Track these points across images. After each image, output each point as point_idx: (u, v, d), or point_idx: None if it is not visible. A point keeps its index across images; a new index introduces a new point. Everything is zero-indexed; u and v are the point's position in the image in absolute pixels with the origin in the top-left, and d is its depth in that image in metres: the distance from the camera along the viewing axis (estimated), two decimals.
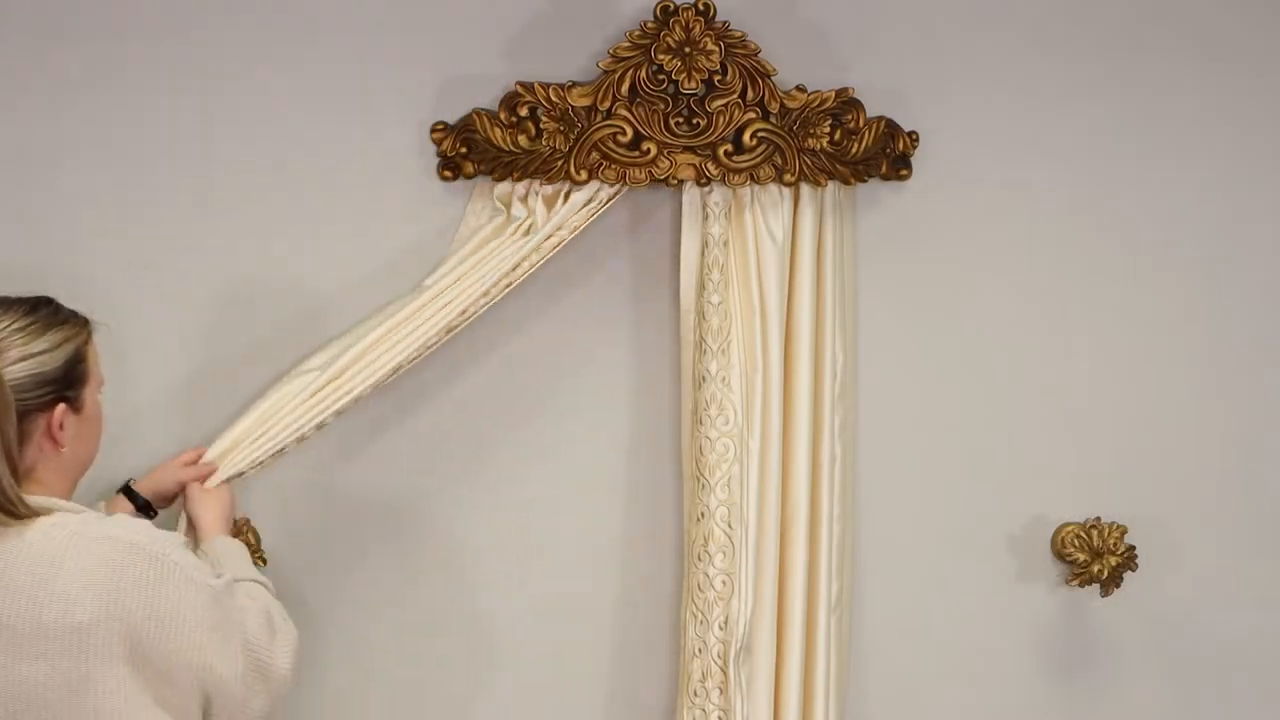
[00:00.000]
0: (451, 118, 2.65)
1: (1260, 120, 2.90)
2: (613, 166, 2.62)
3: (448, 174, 2.66)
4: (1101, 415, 2.89)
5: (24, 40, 2.57)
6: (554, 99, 2.61)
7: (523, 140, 2.61)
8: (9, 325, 2.09)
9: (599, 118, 2.62)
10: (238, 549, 2.37)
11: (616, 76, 2.61)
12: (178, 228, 2.62)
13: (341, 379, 2.53)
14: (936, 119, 2.79)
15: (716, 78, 2.63)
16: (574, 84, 2.63)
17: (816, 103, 2.67)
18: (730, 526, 2.66)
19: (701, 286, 2.68)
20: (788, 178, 2.66)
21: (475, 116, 2.62)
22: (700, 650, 2.67)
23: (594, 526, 2.78)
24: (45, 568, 1.99)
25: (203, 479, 2.47)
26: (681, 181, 2.66)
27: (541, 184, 2.63)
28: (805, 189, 2.69)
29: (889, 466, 2.84)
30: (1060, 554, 2.86)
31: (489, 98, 2.65)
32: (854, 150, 2.70)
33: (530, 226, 2.62)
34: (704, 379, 2.67)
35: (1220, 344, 2.91)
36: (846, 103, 2.69)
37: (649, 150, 2.62)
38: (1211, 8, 2.86)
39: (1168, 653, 2.94)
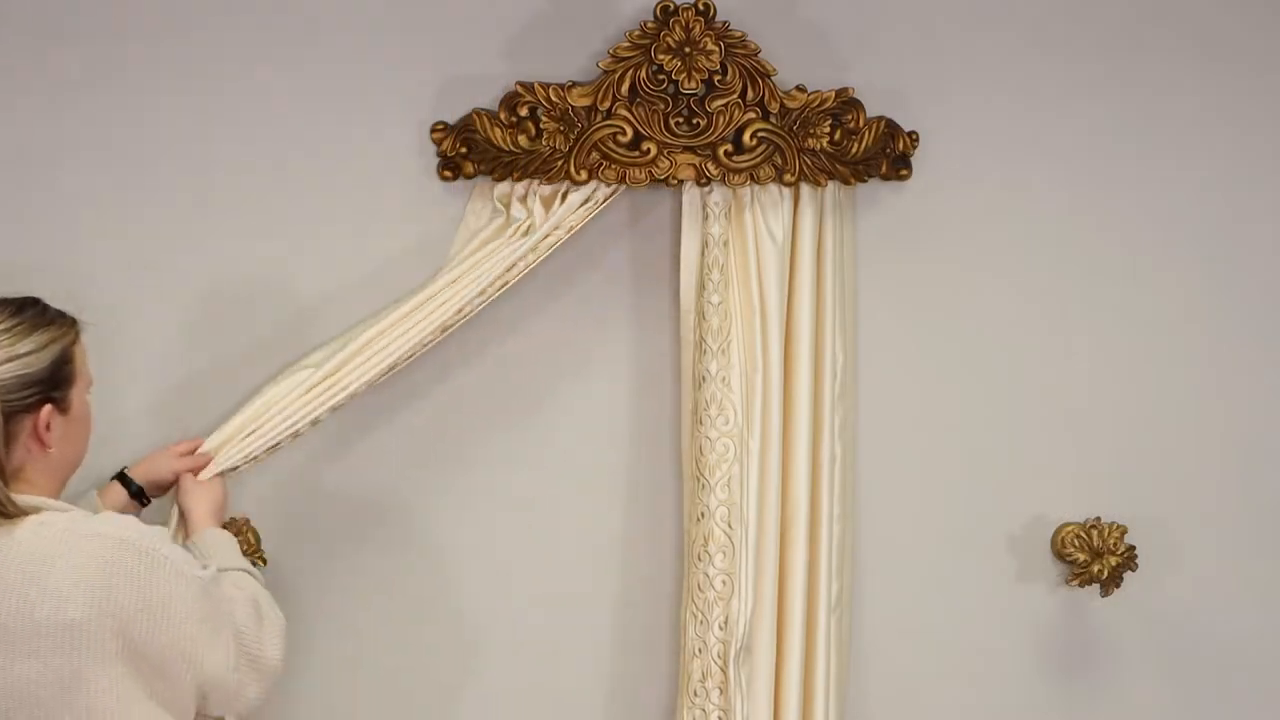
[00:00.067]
0: (451, 118, 2.65)
1: (1260, 120, 2.90)
2: (613, 166, 2.62)
3: (448, 174, 2.66)
4: (1101, 415, 2.89)
5: (24, 40, 2.57)
6: (554, 99, 2.61)
7: (523, 140, 2.61)
8: None
9: (599, 118, 2.62)
10: (227, 540, 2.37)
11: (616, 76, 2.61)
12: (178, 228, 2.62)
13: (337, 375, 2.54)
14: (936, 119, 2.79)
15: (716, 78, 2.63)
16: (574, 84, 2.63)
17: (816, 103, 2.67)
18: (730, 526, 2.66)
19: (701, 286, 2.68)
20: (788, 178, 2.66)
21: (475, 116, 2.62)
22: (700, 650, 2.67)
23: (594, 526, 2.78)
24: (36, 566, 1.99)
25: (196, 470, 2.47)
26: (681, 181, 2.66)
27: (541, 184, 2.63)
28: (805, 189, 2.69)
29: (889, 466, 2.84)
30: (1060, 554, 2.86)
31: (489, 98, 2.65)
32: (854, 150, 2.70)
33: (529, 227, 2.62)
34: (704, 379, 2.67)
35: (1220, 344, 2.91)
36: (846, 103, 2.69)
37: (649, 150, 2.62)
38: (1211, 8, 2.86)
39: (1168, 653, 2.94)
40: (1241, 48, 2.88)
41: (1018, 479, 2.88)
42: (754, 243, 2.68)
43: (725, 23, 2.62)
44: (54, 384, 2.11)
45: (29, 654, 1.97)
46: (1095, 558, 2.83)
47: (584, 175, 2.61)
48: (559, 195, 2.63)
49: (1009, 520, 2.89)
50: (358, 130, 2.66)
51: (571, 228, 2.63)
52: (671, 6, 2.61)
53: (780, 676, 2.72)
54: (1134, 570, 2.85)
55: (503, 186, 2.65)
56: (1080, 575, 2.83)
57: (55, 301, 2.20)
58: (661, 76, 2.61)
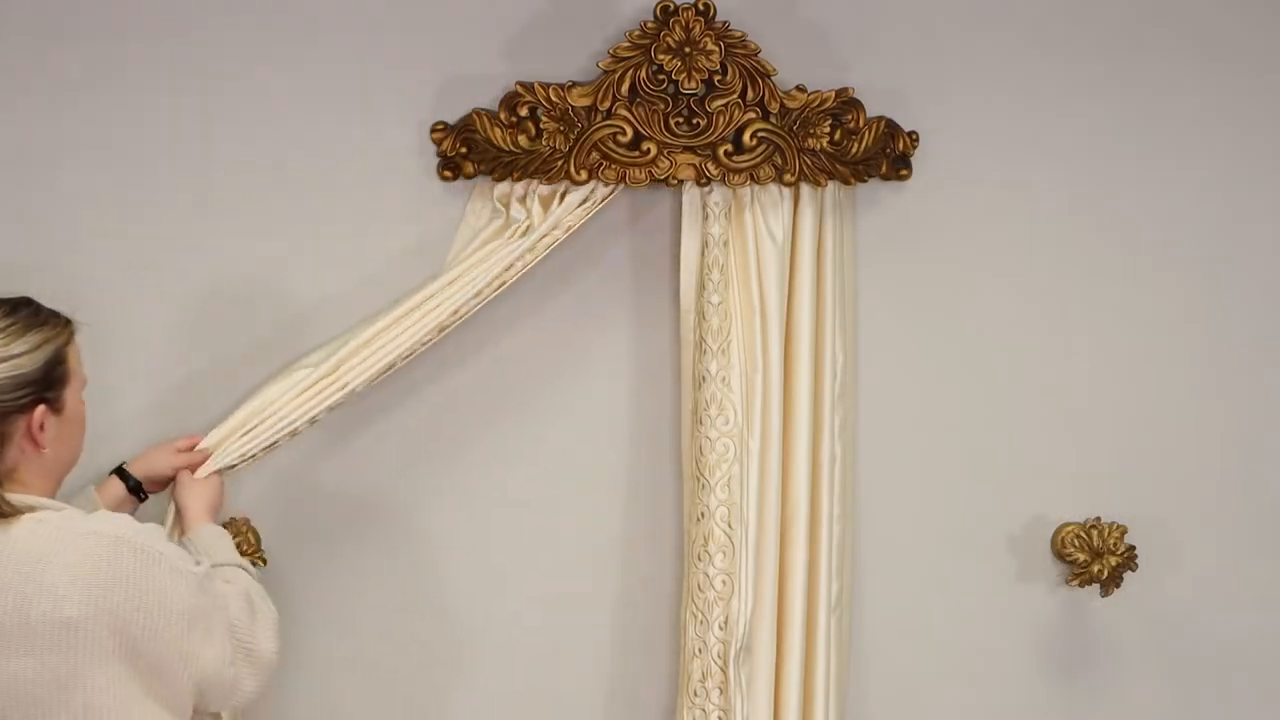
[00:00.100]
0: (451, 118, 2.65)
1: (1260, 120, 2.90)
2: (613, 166, 2.62)
3: (448, 174, 2.66)
4: (1101, 415, 2.89)
5: (24, 40, 2.57)
6: (554, 99, 2.61)
7: (523, 140, 2.61)
8: None
9: (599, 118, 2.62)
10: (221, 536, 2.38)
11: (616, 76, 2.61)
12: (178, 228, 2.62)
13: (334, 375, 2.54)
14: (936, 119, 2.79)
15: (716, 78, 2.63)
16: (574, 84, 2.63)
17: (816, 103, 2.67)
18: (730, 526, 2.66)
19: (701, 286, 2.68)
20: (788, 178, 2.66)
21: (475, 116, 2.62)
22: (700, 650, 2.67)
23: (594, 526, 2.78)
24: (32, 564, 1.99)
25: (194, 467, 2.47)
26: (681, 181, 2.66)
27: (540, 184, 2.63)
28: (805, 189, 2.69)
29: (889, 466, 2.84)
30: (1060, 554, 2.86)
31: (489, 98, 2.65)
32: (854, 150, 2.70)
33: (528, 228, 2.61)
34: (704, 379, 2.67)
35: (1220, 344, 2.91)
36: (846, 103, 2.69)
37: (649, 150, 2.62)
38: (1211, 8, 2.86)
39: (1168, 653, 2.94)
40: (1241, 48, 2.88)
41: (1018, 479, 2.88)
42: (754, 243, 2.68)
43: (725, 23, 2.62)
44: (47, 384, 2.11)
45: (25, 652, 1.97)
46: (1095, 558, 2.83)
47: (584, 175, 2.61)
48: (557, 195, 2.63)
49: (1009, 520, 2.89)
50: (358, 130, 2.66)
51: (569, 227, 2.63)
52: (671, 6, 2.61)
53: (780, 676, 2.72)
54: (1134, 570, 2.85)
55: (502, 186, 2.64)
56: (1080, 575, 2.83)
57: (55, 301, 2.20)
58: (661, 76, 2.61)
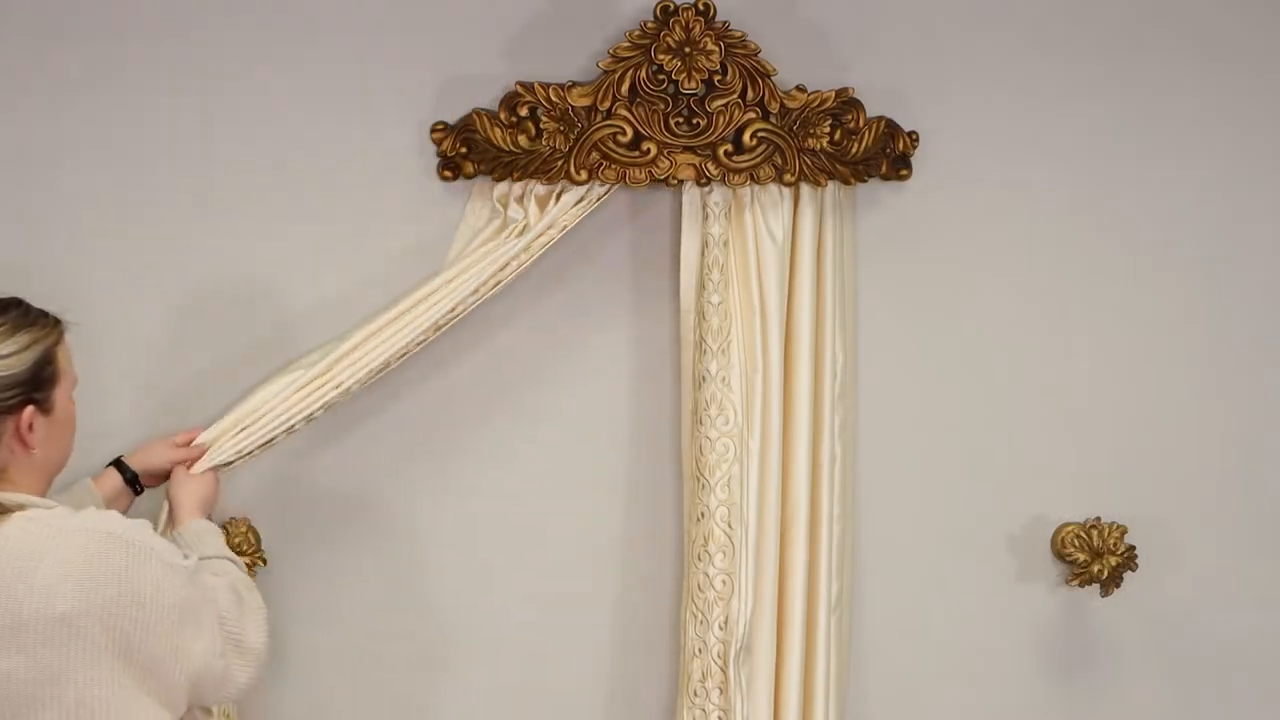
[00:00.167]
0: (451, 118, 2.65)
1: (1260, 120, 2.90)
2: (613, 166, 2.62)
3: (448, 174, 2.66)
4: (1101, 415, 2.89)
5: (24, 40, 2.57)
6: (554, 99, 2.61)
7: (523, 140, 2.61)
8: None
9: (599, 118, 2.62)
10: (211, 530, 2.38)
11: (616, 76, 2.61)
12: (178, 228, 2.62)
13: (330, 374, 2.54)
14: (936, 119, 2.79)
15: (716, 78, 2.63)
16: (574, 84, 2.63)
17: (816, 103, 2.67)
18: (730, 526, 2.66)
19: (701, 286, 2.68)
20: (788, 178, 2.66)
21: (475, 116, 2.62)
22: (700, 650, 2.67)
23: (594, 526, 2.78)
24: (24, 561, 1.99)
25: (190, 462, 2.48)
26: (681, 181, 2.66)
27: (541, 184, 2.63)
28: (805, 189, 2.69)
29: (889, 466, 2.84)
30: (1060, 554, 2.86)
31: (489, 98, 2.65)
32: (854, 150, 2.70)
33: (525, 228, 2.62)
34: (704, 379, 2.67)
35: (1220, 344, 2.91)
36: (846, 103, 2.69)
37: (649, 150, 2.62)
38: (1211, 8, 2.86)
39: (1168, 653, 2.94)
40: (1241, 48, 2.88)
41: (1018, 479, 2.88)
42: (754, 243, 2.68)
43: (725, 23, 2.62)
44: (36, 385, 2.11)
45: (17, 650, 1.98)
46: (1095, 558, 2.83)
47: (584, 175, 2.61)
48: (554, 195, 2.63)
49: (1009, 520, 2.89)
50: (358, 130, 2.66)
51: (565, 226, 2.63)
52: (671, 6, 2.61)
53: (780, 676, 2.72)
54: (1134, 570, 2.85)
55: (502, 187, 2.64)
56: (1080, 575, 2.83)
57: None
58: (661, 76, 2.61)
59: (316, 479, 2.70)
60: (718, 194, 2.68)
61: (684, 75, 2.61)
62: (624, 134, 2.62)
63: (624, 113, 2.62)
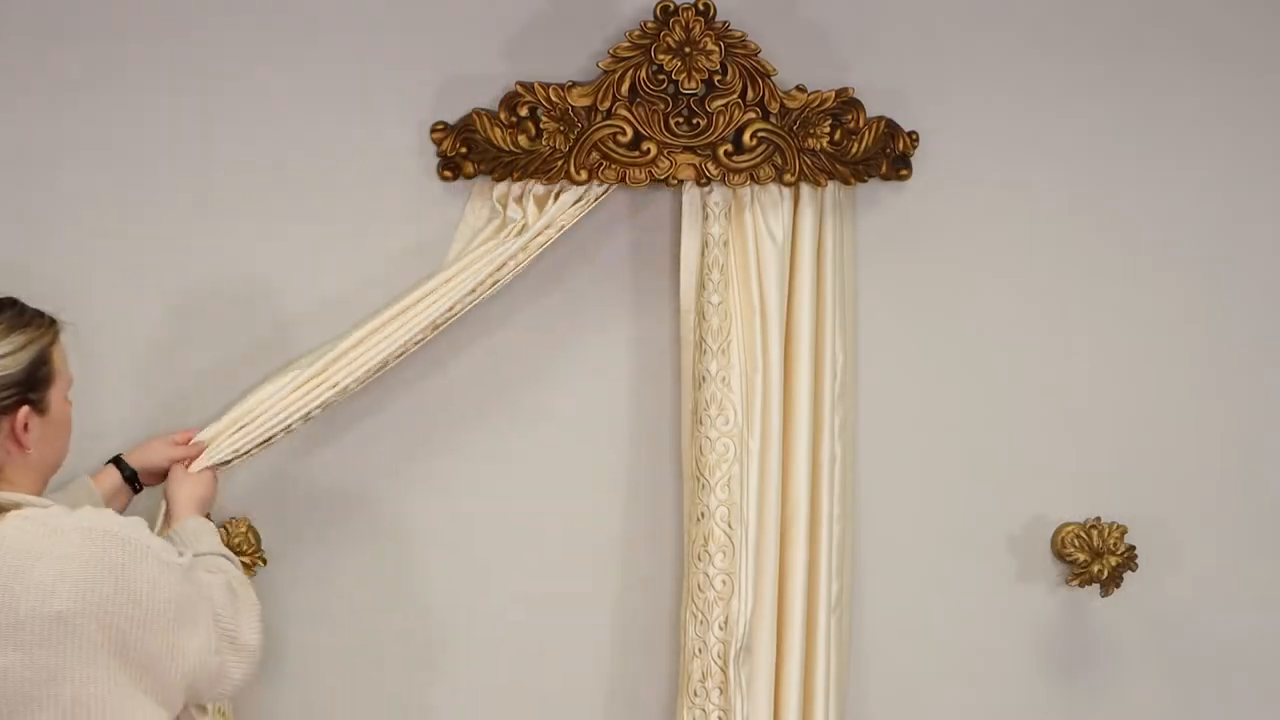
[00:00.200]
0: (451, 118, 2.65)
1: (1260, 120, 2.90)
2: (613, 166, 2.62)
3: (448, 174, 2.66)
4: (1101, 415, 2.89)
5: (24, 40, 2.57)
6: (554, 99, 2.61)
7: (523, 140, 2.61)
8: None
9: (599, 118, 2.62)
10: (206, 527, 2.38)
11: (616, 76, 2.61)
12: (178, 228, 2.62)
13: (327, 373, 2.54)
14: (936, 119, 2.79)
15: (716, 78, 2.63)
16: (574, 84, 2.63)
17: (816, 103, 2.67)
18: (730, 526, 2.66)
19: (701, 286, 2.68)
20: (788, 178, 2.66)
21: (475, 116, 2.62)
22: (700, 650, 2.67)
23: (594, 526, 2.78)
24: (20, 560, 1.99)
25: (189, 460, 2.48)
26: (681, 181, 2.66)
27: (541, 184, 2.63)
28: (805, 189, 2.69)
29: (889, 466, 2.84)
30: (1060, 554, 2.86)
31: (489, 98, 2.65)
32: (854, 150, 2.70)
33: (523, 227, 2.62)
34: (704, 379, 2.67)
35: (1220, 344, 2.91)
36: (846, 103, 2.69)
37: (649, 150, 2.62)
38: (1211, 8, 2.86)
39: (1168, 653, 2.94)
40: (1241, 48, 2.88)
41: (1018, 479, 2.88)
42: (754, 243, 2.68)
43: (725, 23, 2.62)
44: (31, 385, 2.11)
45: (13, 648, 1.98)
46: (1095, 558, 2.83)
47: (584, 175, 2.61)
48: (552, 194, 2.63)
49: (1009, 520, 2.89)
50: (358, 130, 2.66)
51: (563, 226, 2.63)
52: (671, 6, 2.61)
53: (780, 676, 2.72)
54: (1134, 570, 2.85)
55: (502, 187, 2.64)
56: (1080, 575, 2.83)
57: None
58: (661, 76, 2.61)
59: (315, 479, 2.70)
60: (718, 194, 2.68)
61: (684, 75, 2.61)
62: (624, 134, 2.62)
63: (624, 113, 2.62)
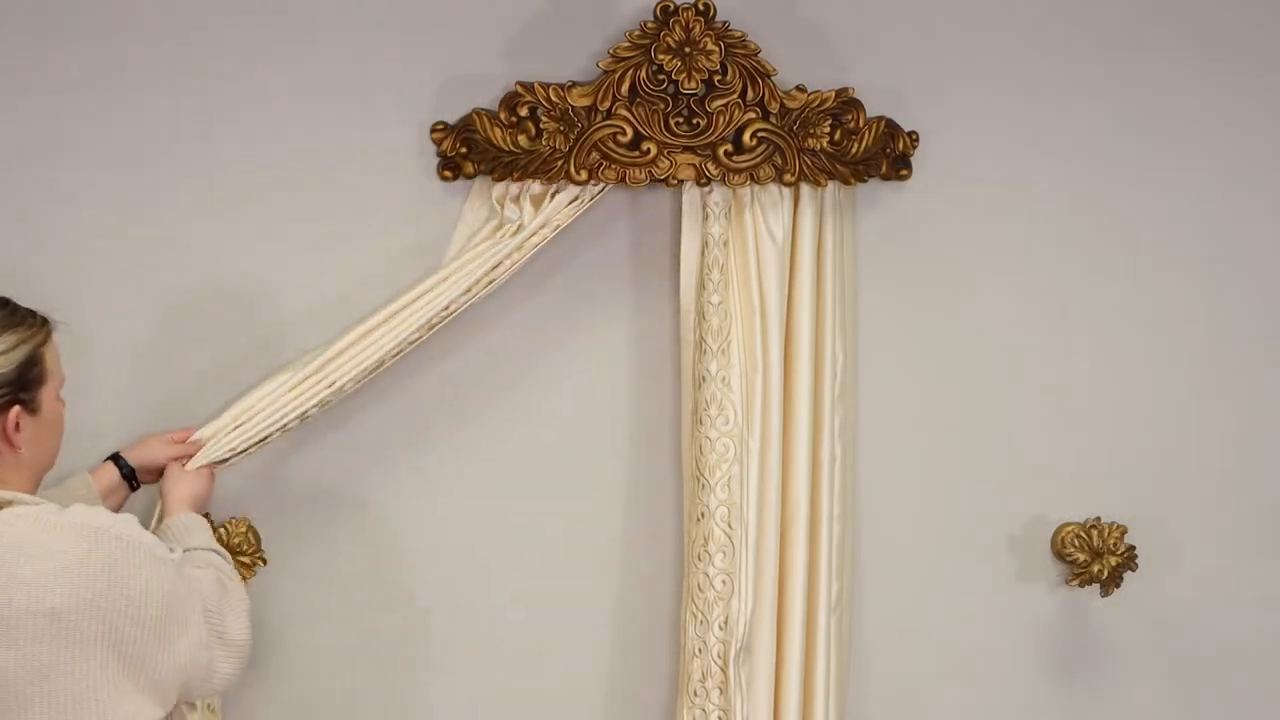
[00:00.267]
0: (451, 118, 2.65)
1: (1260, 120, 2.90)
2: (613, 166, 2.62)
3: (448, 174, 2.66)
4: (1101, 415, 2.89)
5: (24, 40, 2.57)
6: (554, 99, 2.61)
7: (523, 140, 2.61)
8: None
9: (599, 118, 2.62)
10: (199, 523, 2.38)
11: (616, 76, 2.61)
12: (178, 228, 2.62)
13: (323, 372, 2.54)
14: (936, 119, 2.79)
15: (716, 78, 2.62)
16: (574, 84, 2.63)
17: (816, 103, 2.67)
18: (730, 526, 2.66)
19: (701, 286, 2.68)
20: (788, 178, 2.66)
21: (475, 116, 2.62)
22: (700, 650, 2.67)
23: (594, 526, 2.78)
24: (14, 557, 1.99)
25: (186, 458, 2.48)
26: (681, 181, 2.66)
27: (541, 184, 2.63)
28: (805, 189, 2.69)
29: (889, 466, 2.84)
30: (1060, 554, 2.86)
31: (489, 98, 2.65)
32: (854, 150, 2.70)
33: (520, 227, 2.61)
34: (704, 379, 2.67)
35: (1220, 344, 2.92)
36: (846, 103, 2.69)
37: (649, 150, 2.62)
38: (1211, 8, 2.86)
39: (1168, 653, 2.94)
40: (1241, 48, 2.88)
41: (1018, 479, 2.88)
42: (754, 243, 2.68)
43: (725, 23, 2.62)
44: (22, 385, 2.11)
45: (7, 645, 1.98)
46: (1095, 558, 2.83)
47: (584, 175, 2.61)
48: (548, 194, 2.63)
49: (1009, 520, 2.89)
50: (358, 130, 2.66)
51: (559, 226, 2.63)
52: (671, 6, 2.61)
53: (780, 676, 2.72)
54: (1134, 570, 2.85)
55: (501, 187, 2.64)
56: (1080, 575, 2.83)
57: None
58: (661, 76, 2.61)
59: (315, 479, 2.70)
60: (718, 194, 2.68)
61: (684, 75, 2.61)
62: (624, 134, 2.62)
63: (624, 113, 2.62)
